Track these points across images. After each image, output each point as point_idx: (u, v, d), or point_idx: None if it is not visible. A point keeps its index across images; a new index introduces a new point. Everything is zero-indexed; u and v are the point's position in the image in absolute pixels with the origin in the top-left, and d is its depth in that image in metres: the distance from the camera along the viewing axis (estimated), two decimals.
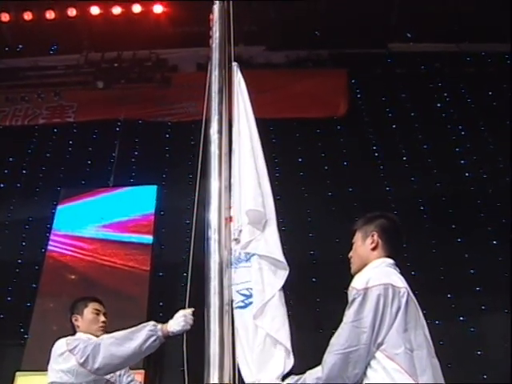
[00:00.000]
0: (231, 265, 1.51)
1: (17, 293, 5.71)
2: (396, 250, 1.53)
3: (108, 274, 5.65)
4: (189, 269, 1.70)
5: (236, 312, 1.42)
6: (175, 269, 5.32)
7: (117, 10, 6.09)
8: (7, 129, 6.52)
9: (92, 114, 6.29)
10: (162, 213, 5.77)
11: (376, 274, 1.38)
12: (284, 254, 1.55)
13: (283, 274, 1.50)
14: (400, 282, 1.35)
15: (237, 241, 1.52)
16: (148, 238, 5.72)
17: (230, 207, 1.64)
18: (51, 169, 6.17)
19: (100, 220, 5.86)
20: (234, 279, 1.49)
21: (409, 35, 6.39)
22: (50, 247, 5.74)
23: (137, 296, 5.44)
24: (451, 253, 5.39)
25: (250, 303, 1.44)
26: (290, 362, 1.32)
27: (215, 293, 1.37)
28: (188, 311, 1.66)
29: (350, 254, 1.59)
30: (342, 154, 6.06)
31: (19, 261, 5.96)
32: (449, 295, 5.18)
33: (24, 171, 6.24)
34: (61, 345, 1.81)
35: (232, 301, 1.44)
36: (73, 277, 5.93)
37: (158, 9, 6.03)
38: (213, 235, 1.47)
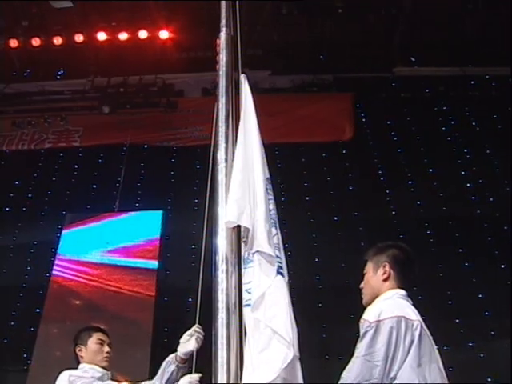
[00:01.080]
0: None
1: (20, 317, 5.67)
2: (408, 280, 1.51)
3: (113, 299, 5.61)
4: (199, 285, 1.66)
5: (244, 311, 1.35)
6: (180, 294, 5.28)
7: (123, 36, 6.16)
8: (14, 153, 6.56)
9: (98, 139, 6.34)
10: (167, 238, 5.75)
11: (388, 306, 1.35)
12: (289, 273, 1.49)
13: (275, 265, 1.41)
14: (413, 314, 1.33)
15: (245, 242, 1.48)
16: (153, 264, 5.69)
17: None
18: (57, 193, 6.17)
19: (105, 245, 5.84)
20: (244, 280, 1.41)
21: (413, 59, 6.42)
22: (54, 272, 5.71)
23: (142, 321, 5.39)
24: (459, 277, 5.34)
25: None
26: (290, 354, 1.17)
27: (223, 292, 1.31)
28: (193, 329, 1.66)
29: (362, 284, 1.57)
30: (348, 178, 6.05)
31: (23, 285, 5.93)
32: (457, 320, 5.12)
33: (30, 195, 6.24)
34: (63, 380, 1.78)
35: (240, 302, 1.38)
36: (77, 302, 5.88)
37: (163, 34, 6.10)
38: (220, 266, 1.41)
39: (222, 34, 2.04)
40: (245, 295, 1.41)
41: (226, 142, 1.69)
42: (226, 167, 1.63)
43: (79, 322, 4.85)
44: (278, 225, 1.54)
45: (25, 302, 5.79)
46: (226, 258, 1.42)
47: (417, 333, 1.26)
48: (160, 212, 5.80)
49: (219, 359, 1.12)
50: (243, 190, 1.45)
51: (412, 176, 5.99)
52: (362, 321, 1.34)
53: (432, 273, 5.22)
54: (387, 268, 1.47)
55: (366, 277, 1.56)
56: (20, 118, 6.38)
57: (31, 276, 5.99)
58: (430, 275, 5.14)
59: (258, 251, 1.39)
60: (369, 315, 1.34)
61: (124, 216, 5.93)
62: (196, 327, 1.65)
